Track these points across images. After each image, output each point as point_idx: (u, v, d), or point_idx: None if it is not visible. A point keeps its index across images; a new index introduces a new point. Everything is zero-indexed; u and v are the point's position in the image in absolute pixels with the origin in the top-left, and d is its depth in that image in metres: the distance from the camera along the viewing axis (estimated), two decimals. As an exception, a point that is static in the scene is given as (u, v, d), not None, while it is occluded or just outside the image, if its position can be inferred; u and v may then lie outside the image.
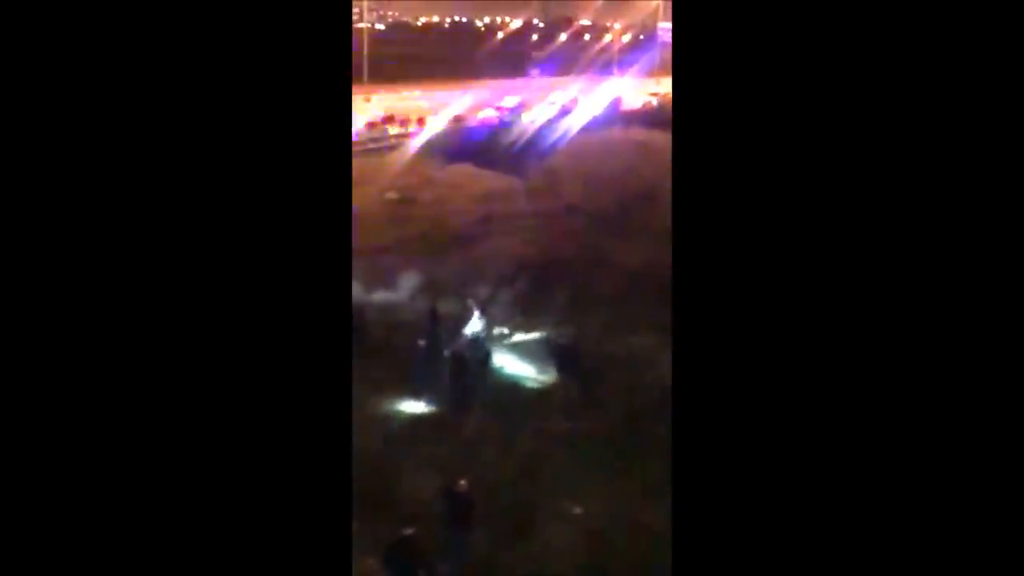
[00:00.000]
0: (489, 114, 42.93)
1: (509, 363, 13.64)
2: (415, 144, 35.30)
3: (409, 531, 8.18)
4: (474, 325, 14.05)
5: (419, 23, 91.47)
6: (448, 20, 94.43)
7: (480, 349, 13.50)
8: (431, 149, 34.43)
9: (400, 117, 39.75)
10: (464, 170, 30.55)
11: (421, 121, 39.38)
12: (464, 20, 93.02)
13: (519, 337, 14.64)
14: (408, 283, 17.01)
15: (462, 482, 8.91)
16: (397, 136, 37.28)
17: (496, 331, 14.63)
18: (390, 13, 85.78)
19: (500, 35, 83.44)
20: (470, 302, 14.93)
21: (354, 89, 45.84)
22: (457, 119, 40.71)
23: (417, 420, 11.94)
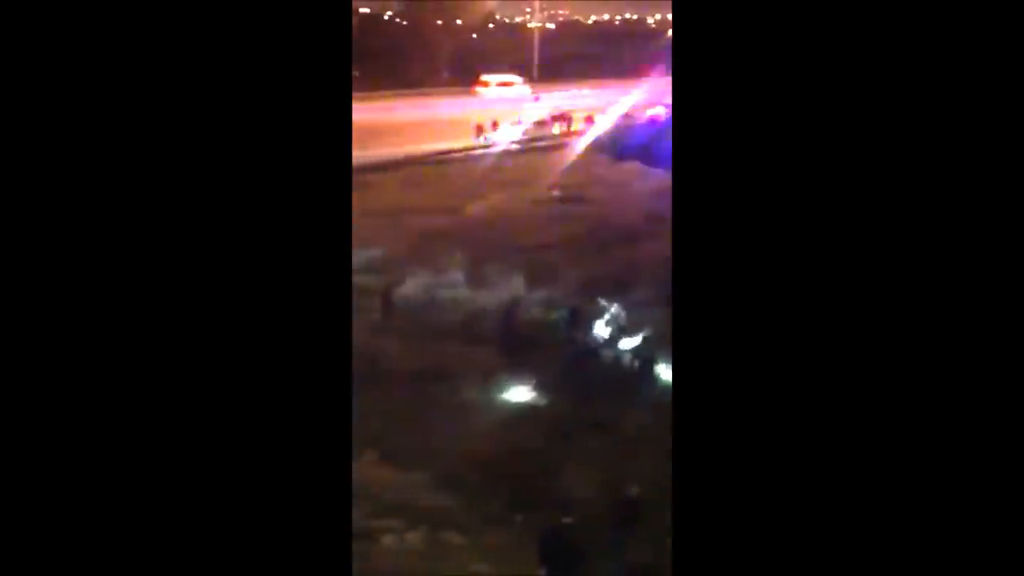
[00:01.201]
0: (658, 111, 42.34)
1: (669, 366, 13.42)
2: (583, 142, 35.33)
3: (568, 520, 8.26)
4: (603, 326, 14.00)
5: (589, 21, 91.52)
6: (619, 18, 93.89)
7: (622, 349, 13.55)
8: (599, 146, 34.35)
9: (569, 115, 39.83)
10: (631, 168, 30.25)
11: (590, 119, 39.29)
12: (635, 17, 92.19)
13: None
14: (569, 280, 17.05)
15: (635, 488, 8.89)
16: (565, 134, 37.42)
17: (656, 333, 14.43)
18: (560, 12, 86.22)
19: (671, 32, 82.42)
20: (602, 301, 14.86)
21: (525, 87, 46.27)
22: (626, 116, 40.38)
23: (573, 418, 11.94)
